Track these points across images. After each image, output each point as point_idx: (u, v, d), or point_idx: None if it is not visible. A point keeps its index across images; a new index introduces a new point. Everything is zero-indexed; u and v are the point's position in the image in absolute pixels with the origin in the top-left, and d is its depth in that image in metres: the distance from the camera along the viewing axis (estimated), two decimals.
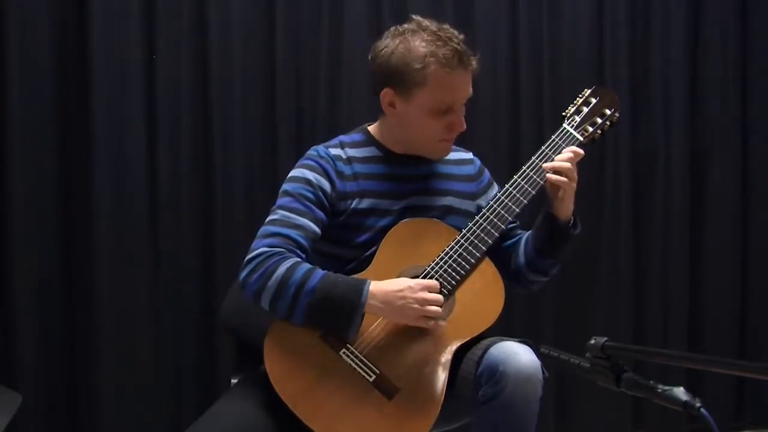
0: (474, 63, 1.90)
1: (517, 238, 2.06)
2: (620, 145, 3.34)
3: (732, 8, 3.43)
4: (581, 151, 1.94)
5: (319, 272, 1.81)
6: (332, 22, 3.06)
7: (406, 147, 1.98)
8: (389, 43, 1.92)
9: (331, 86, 3.07)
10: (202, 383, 2.97)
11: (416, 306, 1.78)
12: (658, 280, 3.40)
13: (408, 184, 1.97)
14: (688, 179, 3.42)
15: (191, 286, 2.97)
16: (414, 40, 1.89)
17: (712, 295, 3.46)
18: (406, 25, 1.94)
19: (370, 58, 1.97)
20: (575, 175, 1.92)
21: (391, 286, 1.80)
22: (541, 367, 1.78)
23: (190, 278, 2.96)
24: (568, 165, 1.91)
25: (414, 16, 1.95)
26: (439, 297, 1.80)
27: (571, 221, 1.97)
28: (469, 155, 2.10)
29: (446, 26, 1.93)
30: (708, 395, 3.25)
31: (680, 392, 1.18)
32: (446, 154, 2.00)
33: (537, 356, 1.79)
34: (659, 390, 1.20)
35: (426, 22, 1.93)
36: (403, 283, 1.80)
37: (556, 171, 1.91)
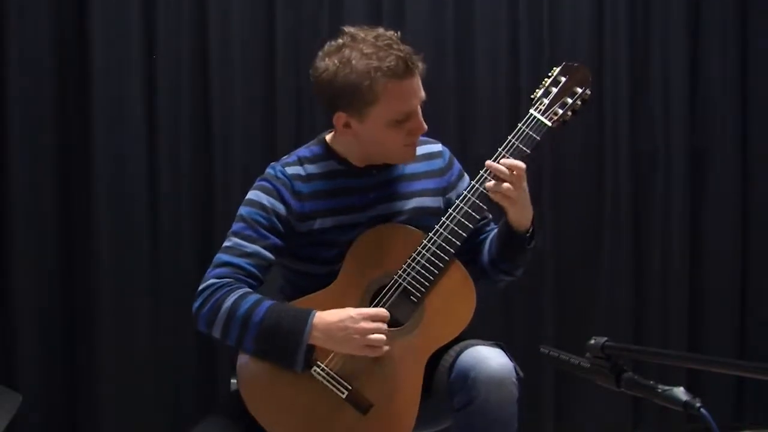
0: (420, 64, 1.81)
1: (487, 233, 2.00)
2: (620, 145, 3.34)
3: (732, 8, 3.43)
4: (521, 165, 1.82)
5: (265, 304, 1.79)
6: (332, 22, 3.06)
7: (368, 159, 1.92)
8: (328, 65, 1.80)
9: None
10: (202, 383, 2.97)
11: (357, 337, 1.75)
12: (658, 280, 3.40)
13: (372, 193, 1.92)
14: (688, 179, 3.42)
15: (191, 287, 2.94)
16: (353, 57, 1.77)
17: (712, 295, 3.46)
18: (340, 40, 1.82)
19: (310, 78, 1.87)
20: (517, 181, 1.81)
21: (333, 317, 1.77)
22: (515, 368, 1.77)
23: (190, 279, 2.95)
24: (503, 169, 1.81)
25: (346, 28, 1.85)
26: (381, 326, 1.77)
27: (529, 232, 1.89)
28: (438, 147, 2.02)
29: (381, 31, 1.82)
30: (708, 395, 3.24)
31: (680, 392, 1.18)
32: (411, 159, 1.92)
33: (509, 358, 1.78)
34: (659, 390, 1.20)
35: (360, 33, 1.81)
36: (344, 313, 1.77)
37: (495, 177, 1.82)
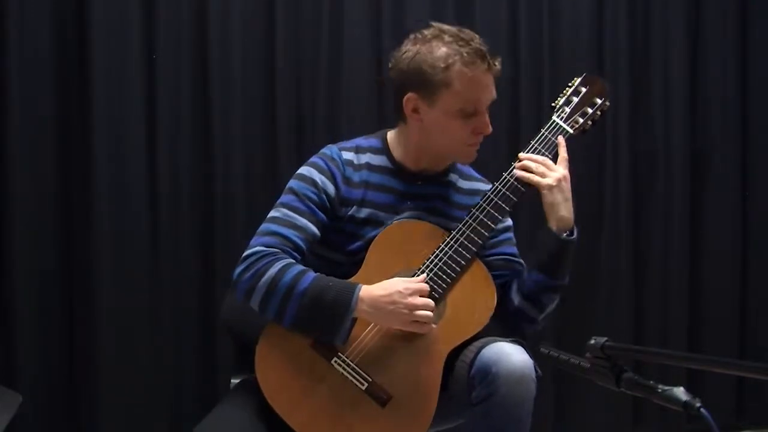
0: (497, 64, 1.87)
1: (515, 274, 1.98)
2: (620, 145, 3.34)
3: (732, 8, 3.43)
4: (563, 155, 1.89)
5: (311, 275, 1.80)
6: (332, 22, 3.06)
7: (423, 158, 1.94)
8: (410, 48, 1.88)
9: (331, 86, 3.07)
10: (202, 383, 2.97)
11: (405, 311, 1.76)
12: (658, 280, 3.40)
13: (410, 201, 1.95)
14: (688, 179, 3.42)
15: (191, 286, 2.96)
16: (435, 42, 1.85)
17: (712, 295, 3.46)
18: (426, 31, 1.90)
19: (390, 65, 1.92)
20: (550, 172, 1.87)
21: (381, 291, 1.78)
22: (534, 366, 1.77)
23: (190, 278, 2.96)
24: (533, 164, 1.87)
25: (433, 23, 1.91)
26: (430, 302, 1.78)
27: (566, 233, 1.88)
28: (487, 187, 2.00)
29: (467, 30, 1.89)
30: (708, 395, 3.24)
31: (680, 392, 1.18)
32: (470, 160, 1.96)
33: (530, 356, 1.78)
34: (659, 390, 1.20)
35: (446, 26, 1.89)
36: (393, 287, 1.78)
37: (525, 169, 1.88)
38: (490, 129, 1.90)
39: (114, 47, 2.87)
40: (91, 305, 2.85)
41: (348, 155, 1.95)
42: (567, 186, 1.89)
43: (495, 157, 3.11)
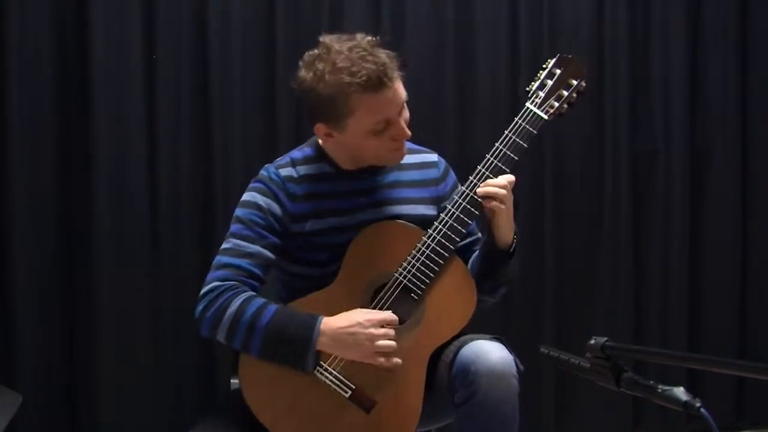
0: (396, 74, 1.78)
1: (473, 252, 1.97)
2: (620, 145, 3.34)
3: (732, 8, 3.43)
4: (513, 178, 1.83)
5: (271, 309, 1.79)
6: (332, 22, 3.06)
7: (358, 162, 1.92)
8: (305, 77, 1.80)
9: None
10: (202, 383, 2.97)
11: (367, 343, 1.76)
12: (658, 280, 3.40)
13: (364, 197, 1.92)
14: (688, 179, 3.42)
15: (191, 286, 2.95)
16: (327, 70, 1.76)
17: (712, 295, 3.46)
18: (315, 51, 1.81)
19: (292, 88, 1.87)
20: (508, 198, 1.83)
21: (342, 322, 1.77)
22: (515, 362, 1.77)
23: (190, 278, 2.96)
24: (503, 192, 1.82)
25: (322, 38, 1.82)
26: (389, 331, 1.77)
27: (512, 247, 1.88)
28: (433, 157, 2.01)
29: (358, 39, 1.79)
30: (708, 395, 3.24)
31: (680, 392, 1.18)
32: (400, 159, 1.91)
33: (509, 351, 1.78)
34: (659, 390, 1.20)
35: (336, 45, 1.78)
36: (353, 318, 1.77)
37: (489, 196, 1.82)
38: (408, 133, 1.85)
39: (114, 47, 2.87)
40: (91, 305, 2.86)
41: (286, 171, 1.91)
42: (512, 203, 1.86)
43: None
